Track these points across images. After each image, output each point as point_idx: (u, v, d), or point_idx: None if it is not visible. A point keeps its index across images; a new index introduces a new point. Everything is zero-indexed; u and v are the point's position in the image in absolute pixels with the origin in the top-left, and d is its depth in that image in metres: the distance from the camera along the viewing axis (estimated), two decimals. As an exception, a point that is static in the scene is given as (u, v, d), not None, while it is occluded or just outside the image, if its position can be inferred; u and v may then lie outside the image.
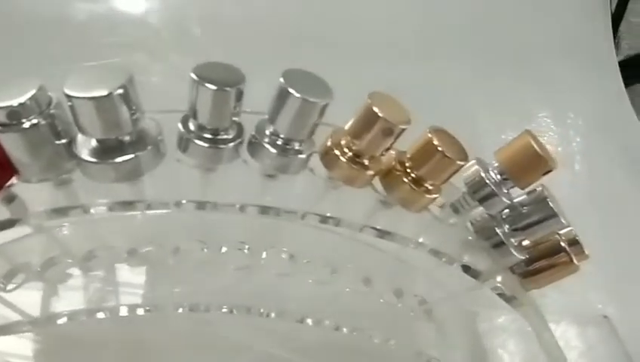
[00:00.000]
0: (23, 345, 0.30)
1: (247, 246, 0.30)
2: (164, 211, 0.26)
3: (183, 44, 0.50)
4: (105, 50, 0.47)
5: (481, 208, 0.27)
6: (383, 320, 0.31)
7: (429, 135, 0.23)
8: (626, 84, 0.69)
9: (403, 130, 0.22)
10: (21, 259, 0.29)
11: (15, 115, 0.21)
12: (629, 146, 0.61)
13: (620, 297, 0.46)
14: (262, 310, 0.28)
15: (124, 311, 0.26)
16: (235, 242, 0.30)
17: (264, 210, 0.23)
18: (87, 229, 0.29)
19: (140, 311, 0.26)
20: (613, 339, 0.43)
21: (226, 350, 0.31)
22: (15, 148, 0.21)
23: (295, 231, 0.30)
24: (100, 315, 0.26)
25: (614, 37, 0.72)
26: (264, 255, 0.30)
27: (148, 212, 0.27)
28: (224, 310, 0.27)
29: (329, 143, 0.23)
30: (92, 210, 0.22)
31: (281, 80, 0.20)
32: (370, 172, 0.23)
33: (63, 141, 0.22)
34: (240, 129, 0.23)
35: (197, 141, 0.22)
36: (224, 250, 0.29)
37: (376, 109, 0.21)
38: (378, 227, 0.25)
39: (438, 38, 0.60)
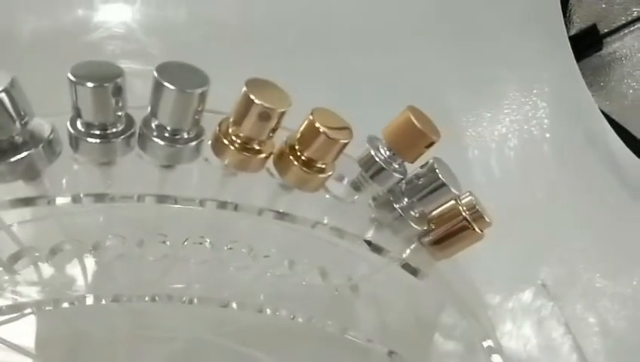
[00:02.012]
0: None
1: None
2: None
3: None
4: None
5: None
6: (306, 301, 0.32)
7: (311, 117, 0.24)
8: (580, 58, 0.71)
9: (282, 113, 0.23)
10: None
11: None
12: (582, 117, 0.63)
13: (559, 266, 0.47)
14: (185, 298, 0.29)
15: (89, 301, 0.27)
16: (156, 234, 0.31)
17: (162, 198, 0.24)
18: (51, 224, 0.30)
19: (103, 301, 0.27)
20: (551, 306, 0.44)
21: (160, 338, 0.33)
22: None
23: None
24: (65, 304, 0.27)
25: (565, 11, 0.74)
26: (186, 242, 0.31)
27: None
28: (157, 299, 0.28)
29: (217, 132, 0.25)
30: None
31: (155, 74, 0.21)
32: (262, 155, 0.25)
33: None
34: (130, 121, 0.24)
35: (87, 139, 0.23)
36: (145, 238, 0.30)
37: (252, 96, 0.22)
38: (277, 210, 0.26)
39: (403, 26, 0.61)
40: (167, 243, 0.31)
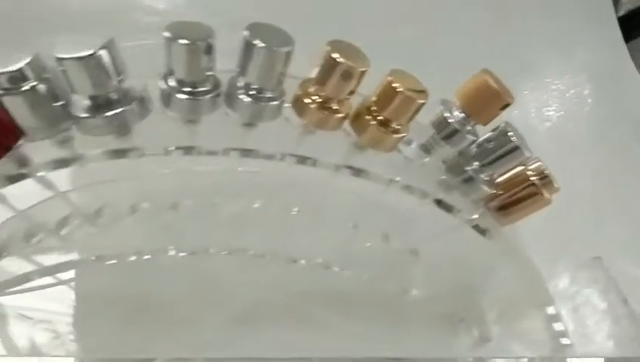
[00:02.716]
0: (35, 300, 0.34)
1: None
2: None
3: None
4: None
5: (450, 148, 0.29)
6: (370, 262, 0.33)
7: (389, 78, 0.25)
8: (628, 39, 0.69)
9: (363, 72, 0.24)
10: (39, 220, 0.32)
11: (15, 79, 0.23)
12: (628, 98, 0.61)
13: (612, 238, 0.47)
14: (252, 251, 0.31)
15: (132, 257, 0.29)
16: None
17: (245, 153, 0.26)
18: (92, 191, 0.32)
19: (146, 256, 0.29)
20: (606, 280, 0.44)
21: (224, 299, 0.34)
22: (18, 110, 0.24)
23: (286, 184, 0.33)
24: (112, 261, 0.29)
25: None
26: (257, 204, 0.32)
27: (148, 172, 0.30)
28: (223, 253, 0.30)
29: (299, 92, 0.26)
30: (89, 158, 0.25)
31: (245, 33, 0.23)
32: (340, 115, 0.26)
33: (60, 103, 0.25)
34: (216, 82, 0.25)
35: (177, 95, 0.24)
36: (217, 201, 0.32)
37: (335, 55, 0.23)
38: (352, 165, 0.27)
39: (451, 3, 0.61)
40: (238, 205, 0.32)
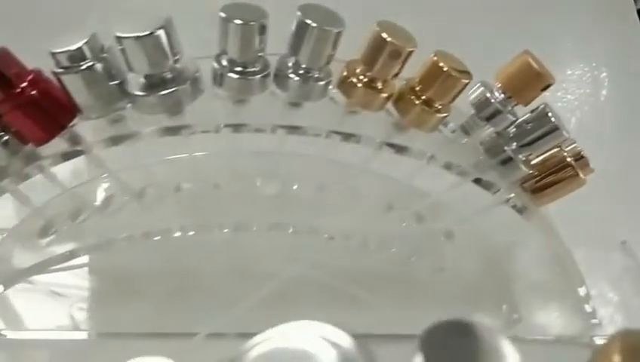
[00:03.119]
0: (77, 278, 0.35)
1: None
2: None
3: None
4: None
5: (489, 129, 0.29)
6: (404, 241, 0.34)
7: (435, 57, 0.25)
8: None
9: (410, 52, 0.24)
10: (85, 198, 0.33)
11: (74, 58, 0.24)
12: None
13: (638, 222, 0.47)
14: (291, 229, 0.31)
15: (177, 233, 0.30)
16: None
17: (292, 130, 0.26)
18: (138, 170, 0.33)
19: (190, 232, 0.30)
20: (633, 264, 0.44)
21: (261, 275, 0.35)
22: (76, 89, 0.25)
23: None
24: (156, 237, 0.30)
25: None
26: (296, 186, 0.33)
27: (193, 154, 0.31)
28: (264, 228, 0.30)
29: (345, 73, 0.26)
30: (143, 135, 0.26)
31: (298, 13, 0.23)
32: (384, 94, 0.26)
33: (116, 82, 0.26)
34: (266, 63, 0.26)
35: (229, 74, 0.25)
36: (258, 182, 0.32)
37: (384, 35, 0.24)
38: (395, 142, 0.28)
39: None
40: (278, 185, 0.33)
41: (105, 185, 0.33)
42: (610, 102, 0.61)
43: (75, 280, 0.35)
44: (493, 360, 0.11)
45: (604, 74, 0.60)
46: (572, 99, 0.59)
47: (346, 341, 0.11)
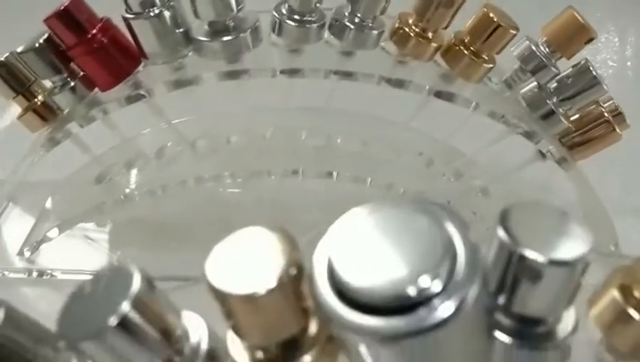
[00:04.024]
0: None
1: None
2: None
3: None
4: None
5: (531, 84, 0.30)
6: (442, 195, 0.35)
7: (485, 9, 0.27)
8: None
9: (462, 1, 0.26)
10: (140, 148, 0.35)
11: (145, 4, 0.26)
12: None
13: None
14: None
15: (228, 180, 0.32)
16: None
17: (345, 74, 0.28)
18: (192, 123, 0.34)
19: (239, 179, 0.31)
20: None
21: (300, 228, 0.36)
22: (144, 35, 0.27)
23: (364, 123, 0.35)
24: (208, 184, 0.31)
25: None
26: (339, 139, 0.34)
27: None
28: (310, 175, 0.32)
29: (397, 24, 0.28)
30: (204, 80, 0.27)
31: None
32: (435, 44, 0.28)
33: (181, 30, 0.27)
34: (322, 14, 0.27)
35: (288, 21, 0.27)
36: (304, 135, 0.34)
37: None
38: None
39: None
40: (323, 138, 0.34)
41: (159, 136, 0.34)
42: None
43: (121, 228, 0.37)
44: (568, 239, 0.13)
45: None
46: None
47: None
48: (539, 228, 0.13)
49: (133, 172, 0.34)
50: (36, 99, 0.30)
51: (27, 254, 0.33)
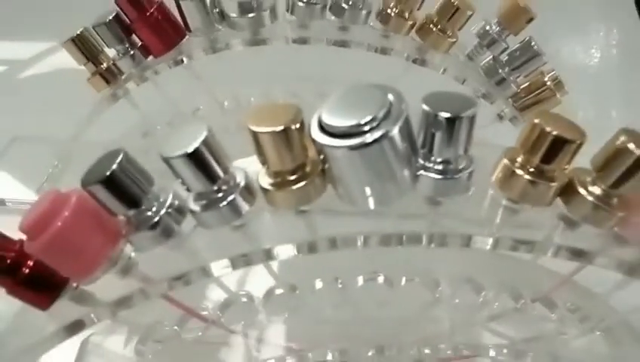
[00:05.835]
0: None
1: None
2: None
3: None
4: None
5: (488, 57, 0.39)
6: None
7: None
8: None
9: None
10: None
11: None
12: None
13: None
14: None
15: None
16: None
17: (342, 43, 0.36)
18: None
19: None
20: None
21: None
22: (190, 12, 0.35)
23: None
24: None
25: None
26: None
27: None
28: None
29: (382, 6, 0.36)
30: (232, 45, 0.36)
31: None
32: (410, 22, 0.36)
33: (217, 9, 0.36)
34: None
35: (298, 3, 0.35)
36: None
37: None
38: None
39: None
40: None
41: (195, 99, 0.43)
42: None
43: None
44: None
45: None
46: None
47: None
48: (447, 103, 0.20)
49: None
50: (102, 65, 0.38)
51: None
